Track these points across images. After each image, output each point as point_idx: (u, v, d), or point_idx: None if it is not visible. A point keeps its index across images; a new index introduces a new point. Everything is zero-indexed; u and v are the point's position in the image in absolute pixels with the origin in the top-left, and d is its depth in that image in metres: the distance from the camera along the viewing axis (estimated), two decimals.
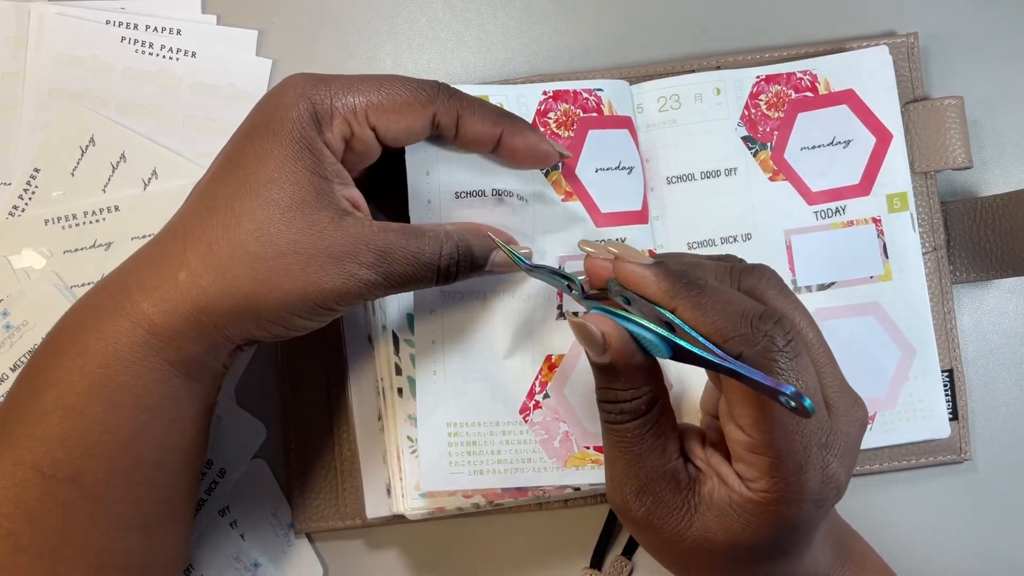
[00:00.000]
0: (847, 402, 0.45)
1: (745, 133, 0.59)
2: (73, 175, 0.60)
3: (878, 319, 0.59)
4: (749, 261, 0.47)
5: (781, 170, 0.59)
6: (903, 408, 0.59)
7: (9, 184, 0.60)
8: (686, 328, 0.42)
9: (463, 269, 0.48)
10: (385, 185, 0.52)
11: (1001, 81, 0.64)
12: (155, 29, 0.62)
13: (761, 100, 0.60)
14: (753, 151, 0.59)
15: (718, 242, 0.59)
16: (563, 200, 0.55)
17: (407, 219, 0.51)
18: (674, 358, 0.43)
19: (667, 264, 0.44)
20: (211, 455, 0.59)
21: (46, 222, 0.60)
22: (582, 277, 0.48)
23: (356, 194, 0.47)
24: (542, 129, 0.56)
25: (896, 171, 0.59)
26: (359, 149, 0.47)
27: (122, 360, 0.45)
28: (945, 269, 0.61)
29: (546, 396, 0.55)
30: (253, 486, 0.60)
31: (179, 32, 0.62)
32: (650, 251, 0.57)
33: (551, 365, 0.55)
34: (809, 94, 0.60)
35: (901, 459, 0.61)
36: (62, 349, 0.46)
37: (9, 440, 0.45)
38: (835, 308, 0.59)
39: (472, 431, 0.54)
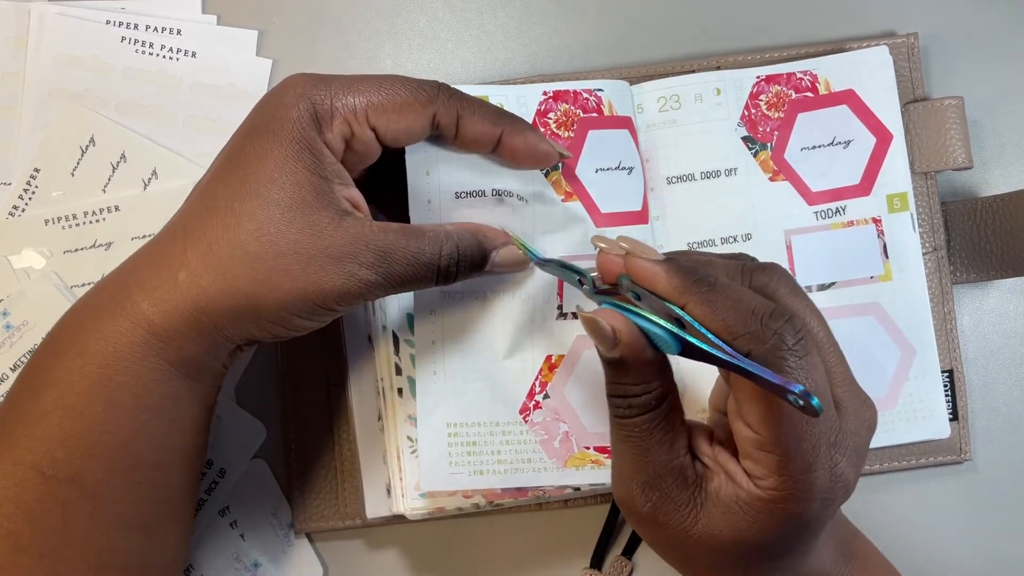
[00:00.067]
0: (857, 402, 0.44)
1: (745, 133, 0.59)
2: (73, 175, 0.60)
3: (878, 319, 0.59)
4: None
5: (781, 170, 0.59)
6: (903, 408, 0.59)
7: (9, 184, 0.60)
8: (696, 325, 0.42)
9: (463, 269, 0.48)
10: (385, 185, 0.52)
11: (1001, 81, 0.64)
12: (155, 29, 0.62)
13: (761, 100, 0.60)
14: (753, 151, 0.59)
15: (718, 242, 0.59)
16: (563, 200, 0.55)
17: (407, 219, 0.51)
18: (683, 354, 0.43)
19: (678, 260, 0.43)
20: (211, 455, 0.59)
21: (46, 222, 0.60)
22: (594, 273, 0.48)
23: (356, 194, 0.47)
24: (542, 129, 0.56)
25: (896, 171, 0.59)
26: (359, 149, 0.47)
27: (122, 360, 0.45)
28: (945, 269, 0.61)
29: (546, 396, 0.55)
30: (253, 486, 0.60)
31: (179, 32, 0.62)
32: None
33: (551, 365, 0.55)
34: (809, 94, 0.60)
35: (901, 459, 0.61)
36: (62, 349, 0.46)
37: (9, 440, 0.45)
38: (835, 308, 0.59)
39: (472, 431, 0.54)
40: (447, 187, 0.52)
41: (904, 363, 0.59)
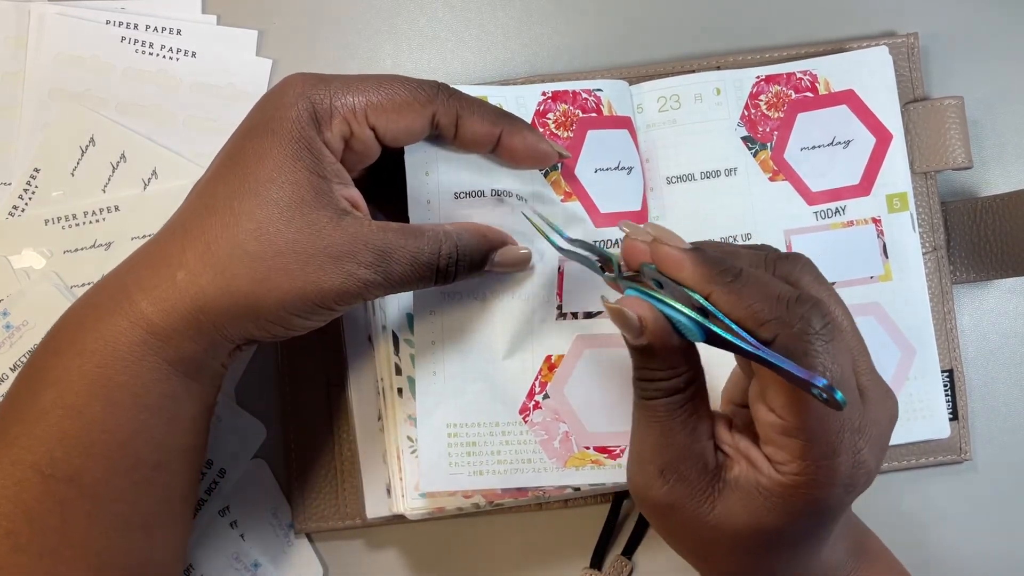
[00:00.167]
0: (880, 393, 0.44)
1: (745, 133, 0.59)
2: (73, 175, 0.60)
3: (878, 319, 0.59)
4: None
5: (781, 170, 0.59)
6: (903, 408, 0.58)
7: (9, 184, 0.60)
8: (719, 315, 0.42)
9: (462, 269, 0.48)
10: (385, 185, 0.52)
11: (1001, 81, 0.63)
12: (155, 29, 0.62)
13: (761, 100, 0.59)
14: (753, 151, 0.59)
15: None
16: (562, 200, 0.55)
17: (407, 219, 0.51)
18: (707, 342, 0.43)
19: (705, 250, 0.43)
20: (211, 455, 0.59)
21: (46, 222, 0.60)
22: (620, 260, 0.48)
23: (355, 194, 0.47)
24: (541, 130, 0.56)
25: (896, 171, 0.59)
26: (358, 149, 0.47)
27: (121, 359, 0.45)
28: (945, 269, 0.61)
29: (546, 396, 0.55)
30: (253, 486, 0.60)
31: (179, 32, 0.62)
32: None
33: (551, 365, 0.55)
34: (809, 94, 0.60)
35: (901, 459, 0.61)
36: (61, 348, 0.46)
37: (8, 439, 0.45)
38: None
39: (472, 431, 0.54)
40: (446, 187, 0.52)
41: (904, 363, 0.59)
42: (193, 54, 0.62)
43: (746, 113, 0.59)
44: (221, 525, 0.60)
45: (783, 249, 0.59)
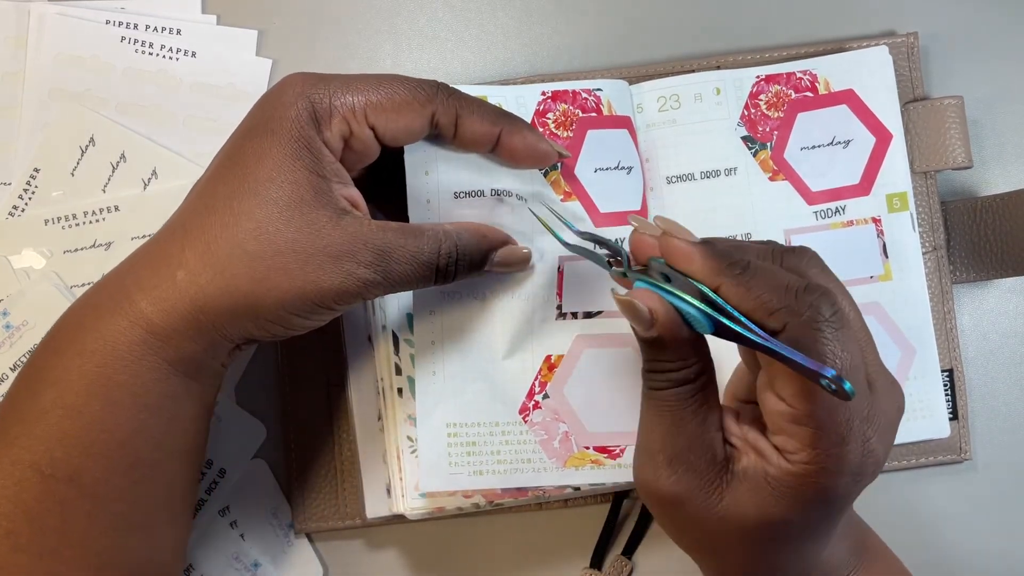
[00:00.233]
0: (887, 384, 0.44)
1: (745, 133, 0.59)
2: (73, 175, 0.60)
3: (878, 319, 0.59)
4: None
5: (781, 170, 0.59)
6: None
7: (9, 184, 0.60)
8: (728, 308, 0.42)
9: (462, 268, 0.48)
10: (384, 185, 0.52)
11: (1001, 81, 0.63)
12: (155, 29, 0.62)
13: (761, 100, 0.59)
14: (753, 151, 0.59)
15: None
16: (562, 200, 0.55)
17: (406, 219, 0.51)
18: (716, 334, 0.43)
19: (713, 243, 0.44)
20: (211, 455, 0.59)
21: (46, 222, 0.60)
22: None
23: (355, 193, 0.47)
24: (541, 129, 0.56)
25: (896, 171, 0.59)
26: (358, 148, 0.47)
27: (120, 359, 0.45)
28: (945, 269, 0.61)
29: (546, 396, 0.55)
30: (253, 486, 0.60)
31: (179, 32, 0.62)
32: None
33: (551, 365, 0.55)
34: (809, 94, 0.60)
35: (901, 459, 0.60)
36: (61, 348, 0.46)
37: (8, 439, 0.45)
38: None
39: (471, 431, 0.54)
40: (446, 187, 0.52)
41: (904, 363, 0.59)
42: (193, 54, 0.62)
43: (746, 113, 0.59)
44: (221, 525, 0.60)
45: None
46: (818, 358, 0.40)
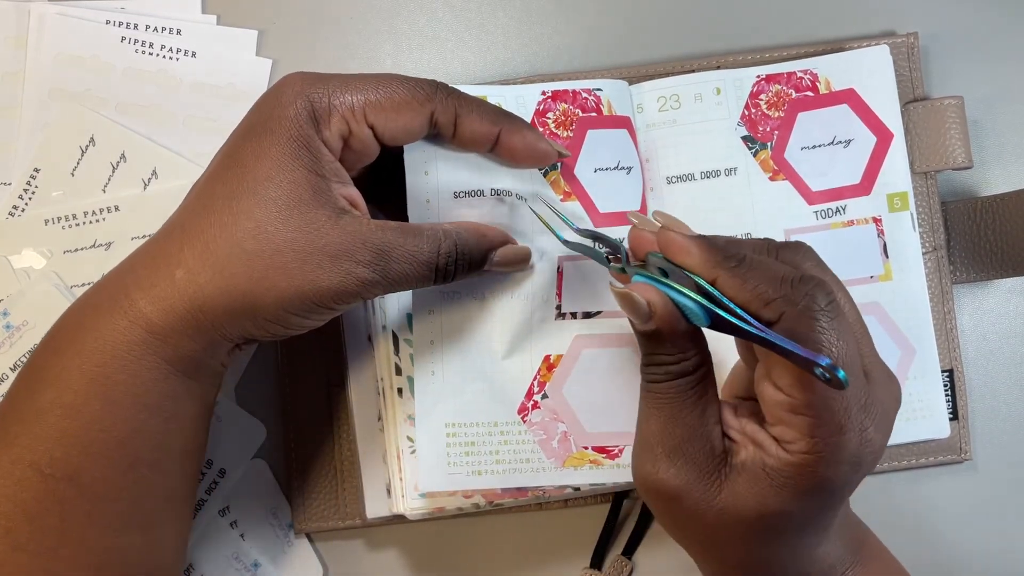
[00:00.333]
0: (883, 375, 0.45)
1: (745, 133, 0.59)
2: (73, 175, 0.60)
3: (878, 319, 0.59)
4: None
5: (781, 170, 0.59)
6: (903, 408, 0.58)
7: (9, 184, 0.60)
8: (724, 300, 0.42)
9: (461, 268, 0.48)
10: (384, 184, 0.52)
11: (1001, 81, 0.63)
12: (155, 29, 0.62)
13: (761, 100, 0.59)
14: (753, 151, 0.59)
15: None
16: (562, 200, 0.55)
17: (406, 219, 0.51)
18: (712, 327, 0.43)
19: (709, 237, 0.44)
20: (211, 455, 0.59)
21: (46, 222, 0.60)
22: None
23: (354, 193, 0.47)
24: (541, 129, 0.56)
25: (896, 171, 0.59)
26: (357, 148, 0.47)
27: (119, 358, 0.45)
28: (945, 269, 0.61)
29: (544, 396, 0.55)
30: (253, 486, 0.60)
31: (179, 32, 0.62)
32: None
33: (550, 365, 0.55)
34: (809, 93, 0.59)
35: (901, 459, 0.60)
36: (61, 348, 0.46)
37: (7, 438, 0.45)
38: None
39: (470, 431, 0.54)
40: (446, 186, 0.52)
41: (904, 363, 0.59)
42: (193, 54, 0.62)
43: (746, 112, 0.59)
44: (221, 525, 0.60)
45: None
46: (814, 347, 0.40)
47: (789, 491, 0.43)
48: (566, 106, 0.57)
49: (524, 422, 0.54)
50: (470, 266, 0.49)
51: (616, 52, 0.63)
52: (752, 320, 0.42)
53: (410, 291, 0.52)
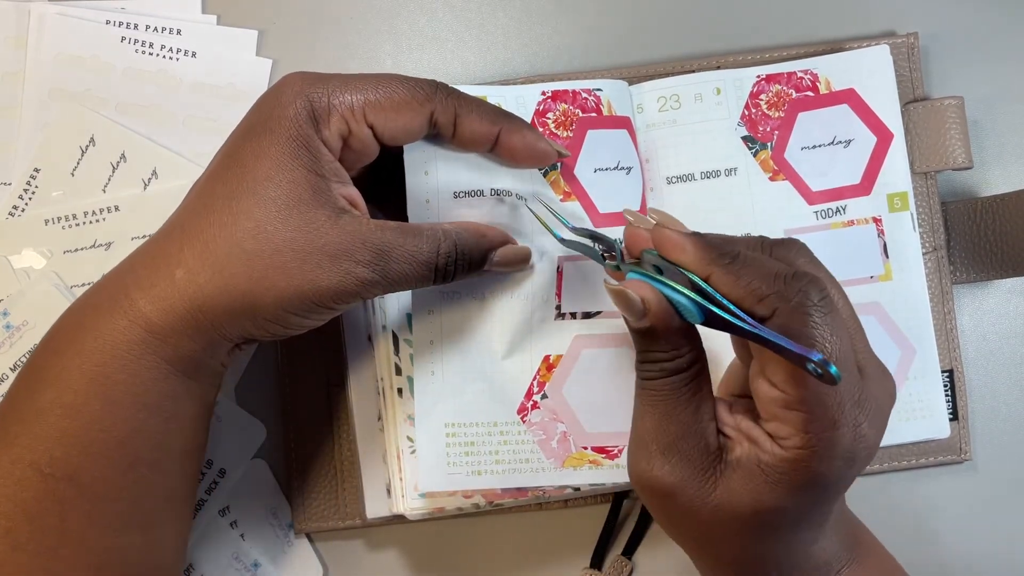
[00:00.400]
0: (878, 370, 0.45)
1: (745, 133, 0.59)
2: (73, 175, 0.60)
3: (878, 319, 0.59)
4: None
5: (781, 170, 0.59)
6: (903, 408, 0.59)
7: (9, 184, 0.60)
8: (718, 297, 0.43)
9: (461, 268, 0.48)
10: (384, 184, 0.52)
11: (1001, 81, 0.63)
12: (155, 29, 0.62)
13: (761, 100, 0.59)
14: (753, 151, 0.59)
15: None
16: (561, 200, 0.55)
17: (406, 219, 0.51)
18: (706, 323, 0.43)
19: (704, 235, 0.45)
20: (211, 455, 0.59)
21: (46, 222, 0.60)
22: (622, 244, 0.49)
23: (354, 192, 0.47)
24: (541, 129, 0.56)
25: (896, 171, 0.59)
26: (357, 147, 0.47)
27: (119, 358, 0.45)
28: (945, 269, 0.60)
29: (544, 396, 0.55)
30: (253, 486, 0.60)
31: (179, 32, 0.62)
32: None
33: (549, 365, 0.55)
34: (810, 93, 0.59)
35: (901, 459, 0.60)
36: (61, 348, 0.46)
37: (7, 438, 0.45)
38: None
39: (470, 431, 0.54)
40: (445, 186, 0.52)
41: (904, 363, 0.59)
42: (193, 54, 0.62)
43: (746, 112, 0.59)
44: (221, 525, 0.60)
45: None
46: (807, 342, 0.40)
47: (784, 487, 0.43)
48: (566, 106, 0.57)
49: (524, 422, 0.54)
50: (470, 266, 0.49)
51: (616, 52, 0.63)
52: (745, 316, 0.42)
53: (410, 291, 0.52)
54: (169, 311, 0.45)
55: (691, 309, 0.43)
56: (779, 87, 0.59)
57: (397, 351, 0.55)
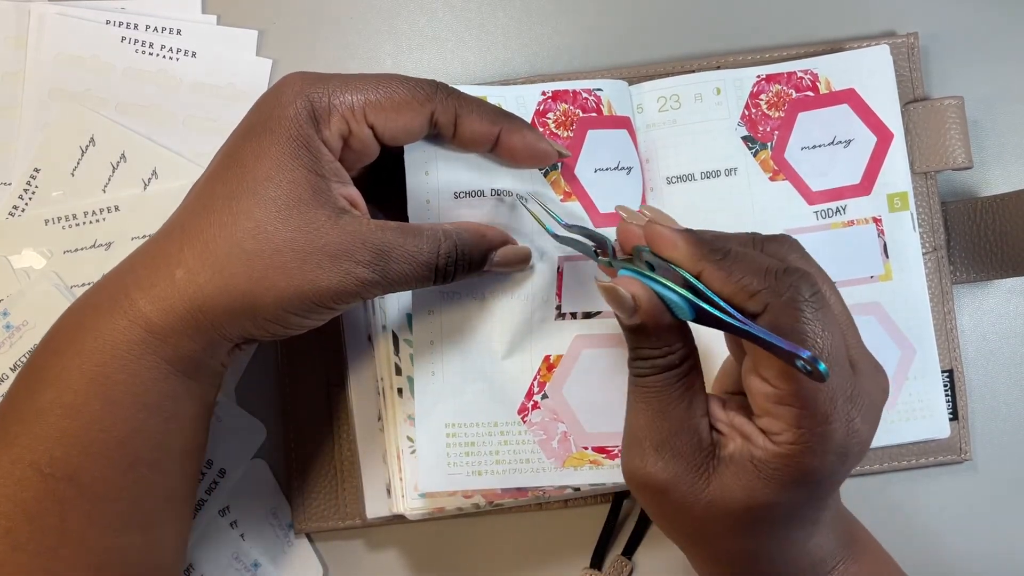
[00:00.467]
0: (870, 366, 0.45)
1: (745, 133, 0.59)
2: (73, 175, 0.60)
3: (878, 319, 0.59)
4: None
5: (781, 170, 0.59)
6: (903, 408, 0.59)
7: (9, 184, 0.60)
8: (709, 293, 0.43)
9: (461, 268, 0.48)
10: (384, 184, 0.52)
11: (1001, 81, 0.63)
12: (155, 29, 0.62)
13: (761, 100, 0.59)
14: (753, 151, 0.59)
15: None
16: (562, 200, 0.55)
17: (406, 219, 0.51)
18: (697, 320, 0.44)
19: (695, 231, 0.45)
20: (211, 455, 0.59)
21: (46, 222, 0.60)
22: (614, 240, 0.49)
23: (354, 193, 0.47)
24: (541, 129, 0.56)
25: (896, 170, 0.59)
26: (357, 147, 0.47)
27: (119, 358, 0.45)
28: (945, 269, 0.61)
29: (544, 396, 0.55)
30: (253, 486, 0.60)
31: (179, 32, 0.62)
32: None
33: (549, 365, 0.55)
34: (810, 93, 0.59)
35: (901, 459, 0.60)
36: (61, 348, 0.46)
37: (7, 438, 0.45)
38: None
39: (470, 432, 0.54)
40: (446, 186, 0.52)
41: (904, 363, 0.59)
42: (193, 54, 0.62)
43: (746, 113, 0.59)
44: (221, 525, 0.60)
45: None
46: (799, 338, 0.41)
47: (776, 482, 0.43)
48: (566, 106, 0.57)
49: (524, 422, 0.54)
50: (470, 267, 0.49)
51: (616, 52, 0.63)
52: (735, 313, 0.42)
53: (410, 291, 0.52)
54: (169, 311, 0.45)
55: (682, 306, 0.43)
56: (779, 87, 0.59)
57: (397, 351, 0.55)
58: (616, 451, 0.55)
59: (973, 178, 0.63)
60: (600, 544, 0.61)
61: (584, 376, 0.55)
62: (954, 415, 0.60)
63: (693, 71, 0.61)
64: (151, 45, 0.62)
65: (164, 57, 0.62)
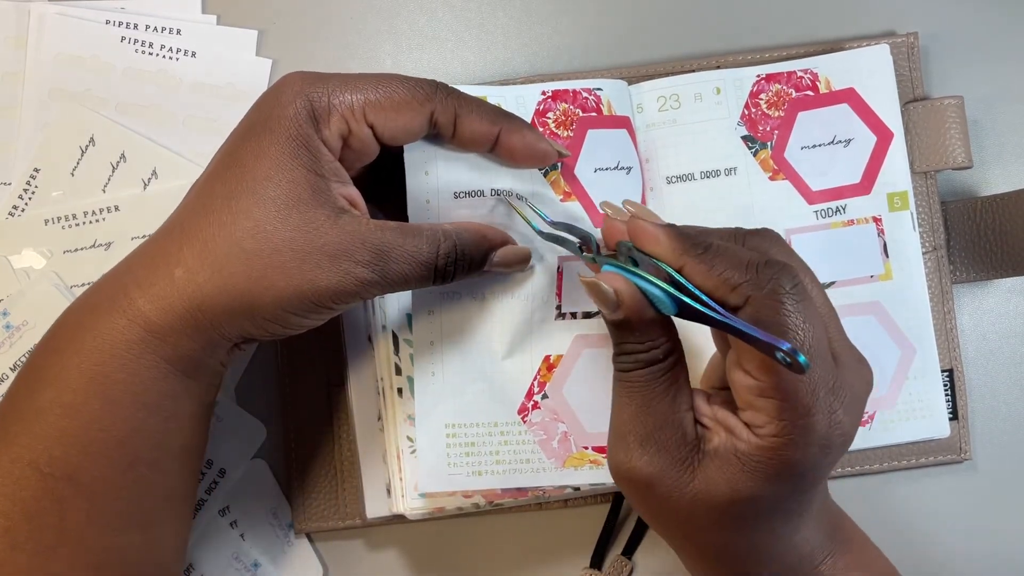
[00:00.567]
0: (853, 359, 0.45)
1: (745, 132, 0.59)
2: (73, 175, 0.60)
3: (878, 319, 0.59)
4: None
5: (781, 169, 0.59)
6: (903, 407, 0.59)
7: (9, 184, 0.60)
8: (691, 287, 0.43)
9: (461, 268, 0.48)
10: (384, 184, 0.52)
11: (1001, 81, 0.63)
12: (155, 29, 0.62)
13: (761, 99, 0.59)
14: (753, 150, 0.59)
15: None
16: (561, 200, 0.55)
17: (406, 219, 0.51)
18: (679, 315, 0.44)
19: (678, 226, 0.45)
20: (211, 455, 0.59)
21: (46, 222, 0.60)
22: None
23: (354, 192, 0.47)
24: (541, 129, 0.56)
25: (896, 170, 0.59)
26: (357, 147, 0.47)
27: (119, 357, 0.45)
28: (945, 269, 0.60)
29: (544, 396, 0.55)
30: (253, 486, 0.60)
31: (179, 32, 0.62)
32: None
33: (550, 365, 0.55)
34: (810, 93, 0.59)
35: (901, 459, 0.60)
36: (60, 347, 0.46)
37: (7, 438, 0.45)
38: (835, 307, 0.58)
39: (470, 432, 0.54)
40: (446, 186, 0.52)
41: (904, 362, 0.59)
42: (193, 54, 0.62)
43: (746, 112, 0.59)
44: (221, 525, 0.60)
45: None
46: (780, 330, 0.41)
47: (760, 475, 0.43)
48: (566, 106, 0.57)
49: (524, 422, 0.54)
50: (470, 267, 0.49)
51: (616, 52, 0.63)
52: (716, 306, 0.42)
53: (410, 291, 0.52)
54: (168, 310, 0.45)
55: (665, 300, 0.44)
56: (779, 87, 0.59)
57: (397, 351, 0.55)
58: None
59: (973, 178, 0.63)
60: (600, 544, 0.61)
61: (584, 376, 0.55)
62: (954, 415, 0.60)
63: (693, 71, 0.61)
64: (151, 45, 0.62)
65: (164, 57, 0.62)
